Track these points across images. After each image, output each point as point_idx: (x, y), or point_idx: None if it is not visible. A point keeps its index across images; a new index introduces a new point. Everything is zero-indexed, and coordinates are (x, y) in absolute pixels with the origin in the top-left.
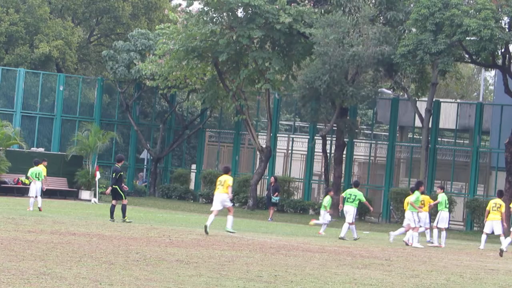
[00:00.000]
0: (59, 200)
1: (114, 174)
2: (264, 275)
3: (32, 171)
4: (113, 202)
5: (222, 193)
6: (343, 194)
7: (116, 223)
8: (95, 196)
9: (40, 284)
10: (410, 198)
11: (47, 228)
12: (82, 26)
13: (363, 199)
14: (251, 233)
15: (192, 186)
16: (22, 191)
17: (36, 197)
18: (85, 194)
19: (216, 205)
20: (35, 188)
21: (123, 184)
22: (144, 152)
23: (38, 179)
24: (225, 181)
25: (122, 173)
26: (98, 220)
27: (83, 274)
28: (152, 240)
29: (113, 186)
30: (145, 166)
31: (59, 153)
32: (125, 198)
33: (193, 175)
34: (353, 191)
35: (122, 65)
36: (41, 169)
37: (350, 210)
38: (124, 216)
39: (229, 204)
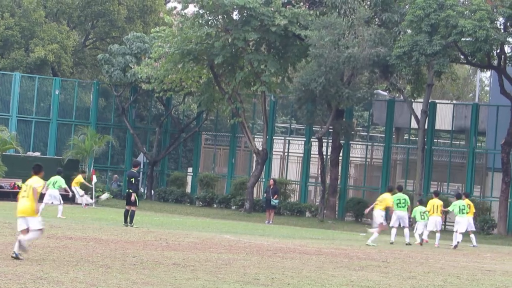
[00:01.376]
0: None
1: (132, 180)
2: (261, 278)
3: (50, 180)
4: (127, 207)
5: (378, 209)
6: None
7: (113, 227)
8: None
9: None
10: None
11: (43, 232)
12: (78, 30)
13: (409, 203)
14: (248, 236)
15: (188, 189)
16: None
17: (52, 203)
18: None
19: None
20: (53, 195)
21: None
22: (140, 155)
23: (54, 187)
24: (384, 199)
25: (138, 179)
26: (95, 224)
27: (80, 278)
28: (149, 244)
29: (129, 191)
30: (141, 170)
31: (55, 157)
32: (137, 205)
33: (189, 178)
34: (401, 195)
35: (118, 68)
36: (58, 178)
37: (404, 216)
38: (131, 222)
39: (377, 223)
